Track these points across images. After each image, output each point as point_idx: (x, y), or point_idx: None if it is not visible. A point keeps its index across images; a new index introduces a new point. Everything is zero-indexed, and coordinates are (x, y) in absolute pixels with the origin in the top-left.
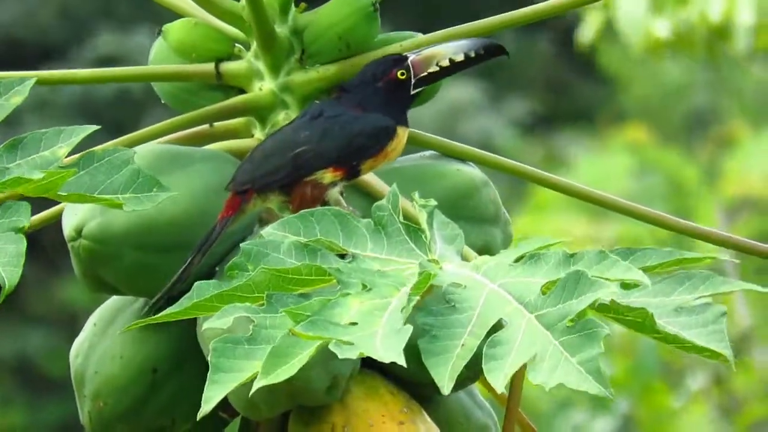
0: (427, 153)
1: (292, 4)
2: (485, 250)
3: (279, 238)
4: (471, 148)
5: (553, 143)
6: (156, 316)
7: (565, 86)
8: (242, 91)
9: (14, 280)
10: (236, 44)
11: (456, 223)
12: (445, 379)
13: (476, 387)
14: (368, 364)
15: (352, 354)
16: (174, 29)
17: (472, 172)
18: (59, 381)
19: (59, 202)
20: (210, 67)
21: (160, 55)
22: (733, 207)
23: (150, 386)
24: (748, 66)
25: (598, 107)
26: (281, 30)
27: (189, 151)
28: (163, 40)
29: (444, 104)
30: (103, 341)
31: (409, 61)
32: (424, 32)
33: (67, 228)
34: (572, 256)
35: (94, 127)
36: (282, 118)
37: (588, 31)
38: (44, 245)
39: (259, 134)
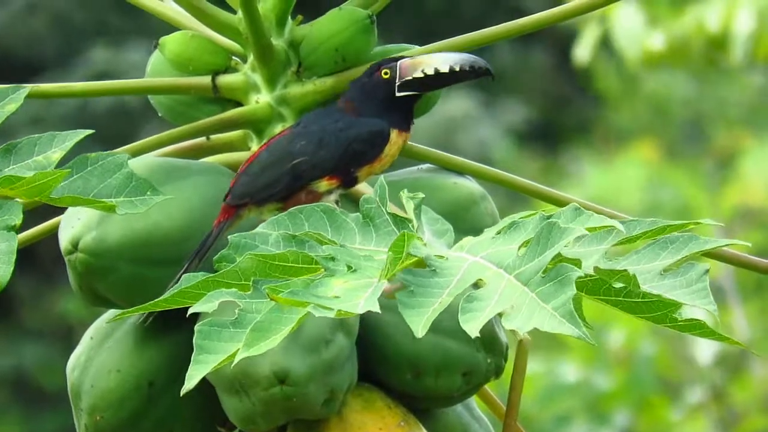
0: (424, 166)
1: (289, 17)
2: None
3: (268, 233)
4: (469, 161)
5: (551, 155)
6: (141, 305)
7: (563, 98)
8: (239, 104)
9: (6, 277)
10: (233, 57)
11: (451, 226)
12: (419, 325)
13: (474, 401)
14: (366, 378)
15: (330, 314)
16: (171, 42)
17: (470, 185)
18: (55, 394)
19: (55, 215)
20: (207, 79)
21: (157, 67)
22: (733, 218)
23: (147, 400)
24: (745, 76)
25: (596, 119)
26: (278, 42)
27: (185, 164)
28: (160, 53)
29: (441, 116)
30: (99, 355)
31: (398, 63)
32: (421, 44)
33: (64, 241)
34: (549, 216)
35: (88, 132)
36: (278, 130)
37: (585, 45)
38: (41, 258)
39: (255, 147)
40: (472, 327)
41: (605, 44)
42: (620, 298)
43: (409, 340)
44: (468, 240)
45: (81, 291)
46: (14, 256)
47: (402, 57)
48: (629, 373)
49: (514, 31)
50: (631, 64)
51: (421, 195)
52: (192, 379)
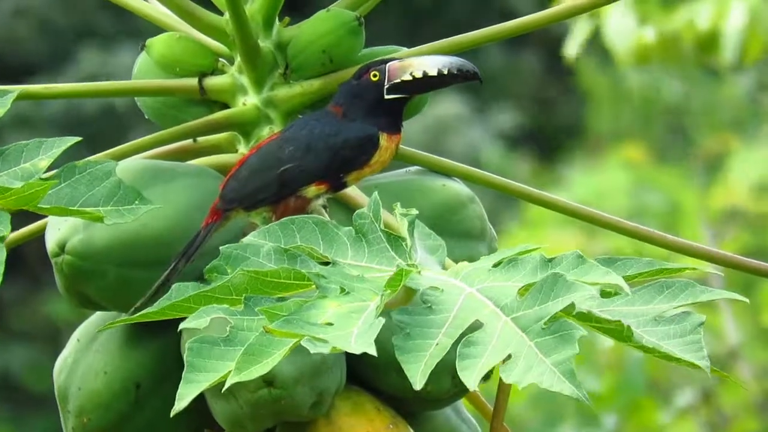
0: (413, 168)
1: (276, 19)
2: None
3: (259, 244)
4: (458, 164)
5: (541, 158)
6: (133, 316)
7: (553, 101)
8: (226, 106)
9: None
10: (220, 59)
11: (441, 238)
12: (417, 375)
13: (462, 403)
14: (354, 380)
15: (325, 349)
16: (157, 44)
17: (458, 187)
18: (43, 396)
19: (42, 217)
20: (193, 81)
21: (144, 69)
22: (721, 220)
23: (134, 402)
24: (734, 78)
25: (586, 122)
26: (265, 44)
27: (172, 166)
28: (147, 55)
29: (430, 119)
30: (86, 357)
31: (387, 65)
32: (409, 47)
33: (51, 243)
34: (550, 260)
35: (76, 139)
36: (266, 133)
37: (575, 42)
38: (28, 261)
39: (242, 149)
40: (470, 377)
41: (595, 43)
42: (611, 327)
43: None
44: (463, 266)
45: (68, 293)
46: (2, 267)
47: (391, 59)
48: (618, 375)
49: (503, 34)
50: (620, 62)
51: (414, 211)
52: (183, 399)
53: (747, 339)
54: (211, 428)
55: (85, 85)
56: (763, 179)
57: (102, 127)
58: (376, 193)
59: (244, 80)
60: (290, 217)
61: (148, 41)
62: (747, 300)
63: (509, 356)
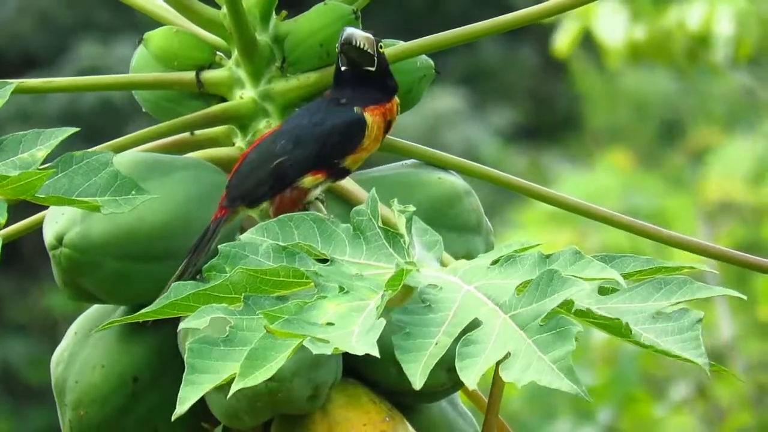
0: (409, 161)
1: (273, 12)
2: (468, 259)
3: (257, 242)
4: (454, 157)
5: (537, 153)
6: (132, 315)
7: (549, 97)
8: (223, 99)
9: None
10: (217, 52)
11: (438, 232)
12: (416, 375)
13: (458, 396)
14: (350, 373)
15: (327, 350)
16: (155, 37)
17: (454, 180)
18: (40, 389)
19: (39, 210)
20: (191, 75)
21: (142, 63)
22: (713, 213)
23: (131, 396)
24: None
25: (580, 119)
26: (262, 38)
27: (169, 159)
28: (144, 49)
29: (427, 113)
30: (84, 350)
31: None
32: (406, 40)
33: (48, 236)
34: (548, 257)
35: (73, 130)
36: (263, 126)
37: (564, 38)
38: (24, 253)
39: (240, 142)
40: (470, 376)
41: (587, 41)
42: (610, 323)
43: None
44: (461, 263)
45: (65, 286)
46: None
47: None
48: (613, 369)
49: (497, 28)
50: (612, 59)
51: (412, 208)
52: (185, 402)
53: (741, 333)
54: (207, 421)
55: (83, 79)
56: (753, 172)
57: (99, 120)
58: (374, 190)
59: (242, 74)
60: (288, 213)
61: (146, 35)
62: (744, 297)
63: (508, 354)
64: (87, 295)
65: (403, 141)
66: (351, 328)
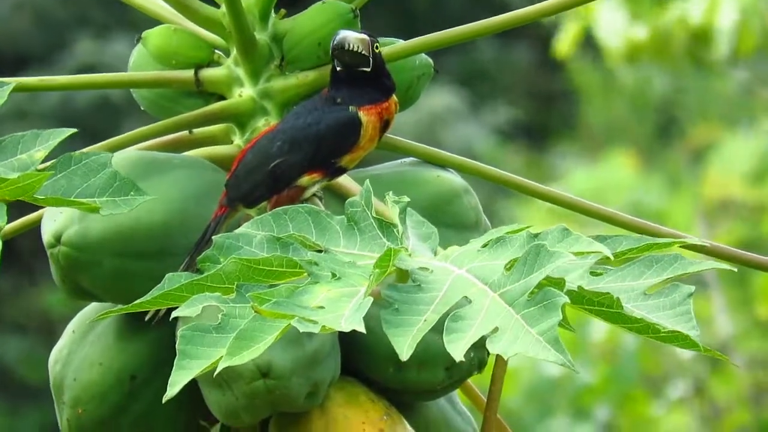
0: (407, 160)
1: (272, 11)
2: None
3: (252, 234)
4: (452, 155)
5: (535, 152)
6: (126, 306)
7: (547, 96)
8: (222, 98)
9: None
10: (216, 51)
11: (436, 229)
12: (404, 347)
13: (456, 394)
14: (349, 371)
15: (315, 329)
16: (153, 36)
17: (453, 178)
18: (38, 388)
19: (37, 208)
20: (189, 73)
21: (140, 61)
22: (712, 211)
23: (129, 394)
24: (726, 72)
25: (579, 117)
26: (261, 36)
27: (167, 157)
28: (143, 47)
29: (425, 112)
30: (82, 348)
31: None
32: (405, 39)
33: (46, 234)
34: (536, 235)
35: (72, 130)
36: (261, 124)
37: (565, 38)
38: (22, 252)
39: (238, 141)
40: (457, 349)
41: (587, 39)
42: (603, 309)
43: None
44: (453, 249)
45: (64, 284)
46: None
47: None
48: (611, 367)
49: (495, 27)
50: (612, 58)
51: (406, 199)
52: (175, 386)
53: (739, 331)
54: (206, 419)
55: (80, 77)
56: (753, 170)
57: (96, 118)
58: (367, 181)
59: (240, 72)
60: (283, 207)
61: (144, 33)
62: (735, 269)
63: (496, 329)
64: (85, 294)
65: (402, 139)
66: (341, 312)
